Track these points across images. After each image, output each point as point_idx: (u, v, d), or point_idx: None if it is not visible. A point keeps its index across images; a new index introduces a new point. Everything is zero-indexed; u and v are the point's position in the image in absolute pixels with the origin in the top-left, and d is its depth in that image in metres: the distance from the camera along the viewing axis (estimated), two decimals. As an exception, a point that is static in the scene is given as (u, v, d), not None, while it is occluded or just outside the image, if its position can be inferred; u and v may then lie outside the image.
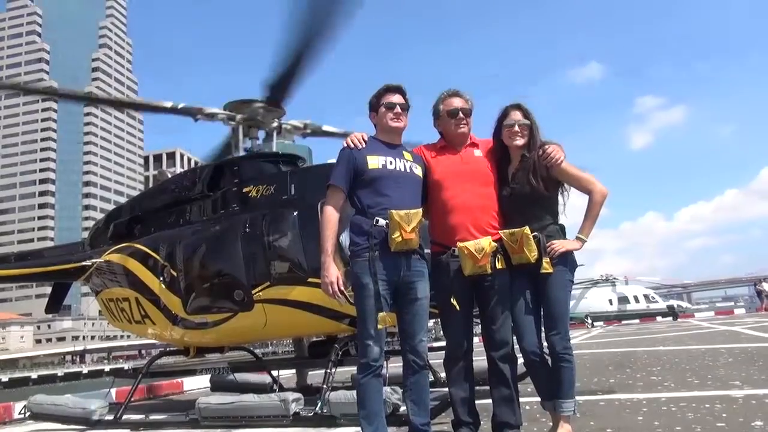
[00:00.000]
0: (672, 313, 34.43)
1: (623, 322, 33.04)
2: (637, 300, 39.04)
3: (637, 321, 32.45)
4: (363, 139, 3.35)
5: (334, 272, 3.15)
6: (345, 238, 3.28)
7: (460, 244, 3.27)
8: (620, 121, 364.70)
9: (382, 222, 3.15)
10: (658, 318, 33.27)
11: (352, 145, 3.32)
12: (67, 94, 6.17)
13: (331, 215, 3.22)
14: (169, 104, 6.58)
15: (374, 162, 3.26)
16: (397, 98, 3.37)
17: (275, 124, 7.07)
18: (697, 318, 29.82)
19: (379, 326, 3.05)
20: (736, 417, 3.69)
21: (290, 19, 5.21)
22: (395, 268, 3.16)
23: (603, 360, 8.71)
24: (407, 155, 3.40)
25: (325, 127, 7.37)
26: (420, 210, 3.22)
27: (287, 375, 7.96)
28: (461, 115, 3.49)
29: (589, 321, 34.42)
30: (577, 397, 3.38)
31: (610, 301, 39.36)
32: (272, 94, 6.57)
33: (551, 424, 3.34)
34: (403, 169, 3.32)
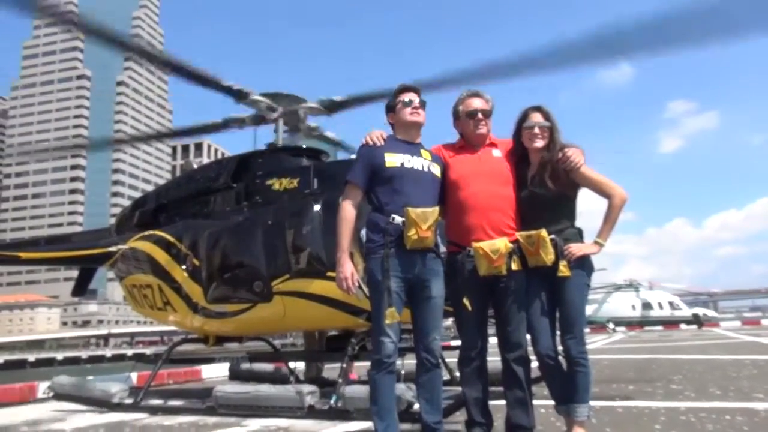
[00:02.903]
0: (697, 321, 33.79)
1: (646, 328, 32.53)
2: (661, 306, 38.50)
3: (660, 328, 31.92)
4: (382, 137, 3.36)
5: (348, 268, 3.17)
6: (365, 235, 3.29)
7: (475, 244, 3.25)
8: (651, 124, 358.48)
9: (398, 219, 3.16)
10: (682, 326, 32.70)
11: (371, 143, 3.34)
12: (110, 36, 6.00)
13: (347, 212, 3.24)
14: (227, 82, 6.52)
15: (392, 160, 3.27)
16: (413, 95, 3.41)
17: (307, 125, 7.13)
18: (722, 327, 29.20)
19: (386, 321, 3.07)
20: (758, 430, 3.61)
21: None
22: (410, 266, 3.17)
23: (623, 366, 8.60)
24: (425, 154, 3.41)
25: (336, 98, 7.32)
26: (436, 209, 3.22)
27: (303, 367, 8.02)
28: (480, 116, 3.47)
29: (611, 326, 33.97)
30: (595, 402, 3.34)
31: (633, 307, 38.88)
32: (331, 106, 6.78)
33: (565, 428, 3.31)
34: (420, 168, 3.32)
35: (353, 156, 3.91)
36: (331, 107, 6.83)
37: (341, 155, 7.97)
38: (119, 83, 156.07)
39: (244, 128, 7.25)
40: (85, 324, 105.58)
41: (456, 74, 5.56)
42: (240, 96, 6.55)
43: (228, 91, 6.46)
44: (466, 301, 3.28)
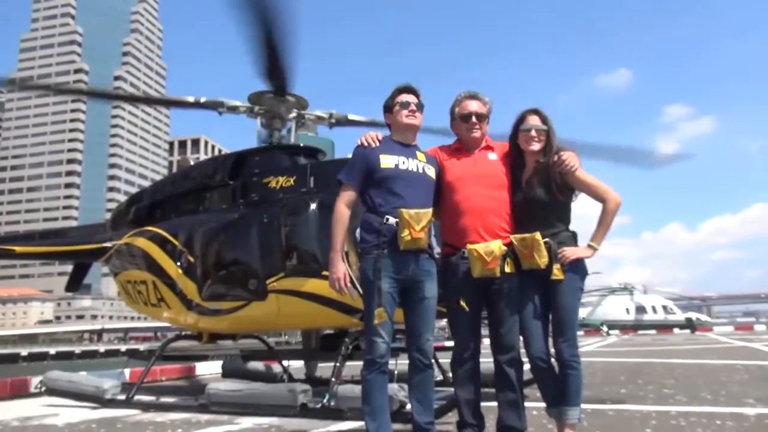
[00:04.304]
0: (690, 325, 33.96)
1: (639, 332, 32.64)
2: (654, 310, 38.68)
3: (653, 331, 32.05)
4: (377, 139, 3.37)
5: (341, 268, 3.19)
6: (359, 235, 3.31)
7: (469, 246, 3.26)
8: (647, 129, 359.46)
9: (392, 220, 3.17)
10: (676, 330, 32.86)
11: (366, 144, 3.35)
12: (94, 92, 6.25)
13: (341, 213, 3.26)
14: (191, 99, 6.58)
15: (387, 161, 3.28)
16: (411, 97, 3.41)
17: (293, 115, 7.06)
18: (715, 332, 29.32)
19: (375, 321, 3.09)
20: (747, 435, 3.63)
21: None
22: (403, 267, 3.18)
23: (615, 369, 8.63)
24: (421, 156, 3.42)
25: (351, 116, 7.33)
26: (430, 210, 3.23)
27: (298, 365, 8.03)
28: (474, 119, 3.47)
29: (605, 329, 34.09)
30: (586, 406, 3.35)
31: (627, 310, 39.03)
32: (273, 82, 6.26)
33: (556, 431, 3.32)
34: (415, 170, 3.33)
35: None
36: (332, 121, 6.92)
37: (347, 149, 7.98)
38: (116, 78, 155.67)
39: (238, 113, 7.22)
40: (79, 319, 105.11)
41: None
42: (215, 106, 6.65)
43: (199, 105, 6.56)
44: (462, 303, 3.29)
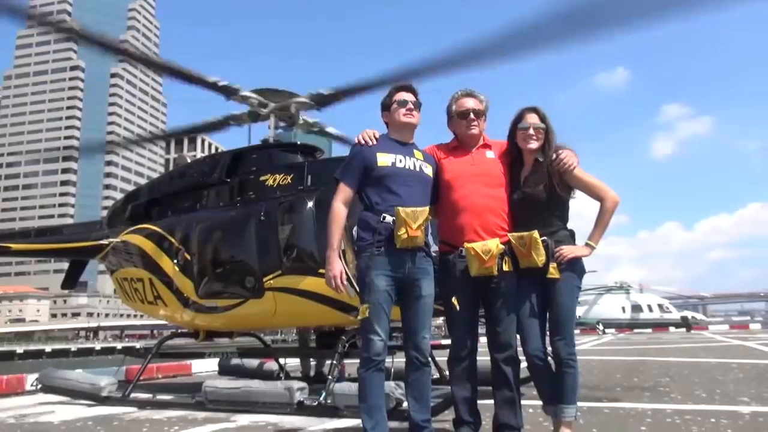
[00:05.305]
0: (685, 324, 34.07)
1: (635, 330, 32.76)
2: (650, 309, 38.85)
3: (649, 330, 32.14)
4: (375, 137, 3.37)
5: (337, 266, 3.20)
6: (356, 233, 3.31)
7: (467, 244, 3.27)
8: (645, 128, 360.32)
9: (389, 219, 3.18)
10: (671, 328, 32.97)
11: (363, 142, 3.35)
12: (98, 40, 6.06)
13: (338, 211, 3.27)
14: (212, 79, 6.47)
15: (384, 159, 3.29)
16: (409, 96, 3.41)
17: (304, 120, 7.10)
18: (710, 331, 29.45)
19: (359, 317, 3.13)
20: (741, 433, 3.65)
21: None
22: (400, 265, 3.19)
23: (611, 367, 8.66)
24: (418, 154, 3.42)
25: (329, 129, 7.43)
26: (427, 208, 3.24)
27: (294, 363, 8.03)
28: (472, 116, 3.47)
29: (601, 327, 34.18)
30: (582, 404, 3.37)
31: (623, 309, 39.20)
32: (320, 100, 6.60)
33: (553, 428, 3.33)
34: (412, 168, 3.34)
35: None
36: (320, 101, 6.81)
37: (343, 150, 7.98)
38: (113, 75, 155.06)
39: (243, 125, 7.23)
40: (75, 316, 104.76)
41: (430, 62, 5.43)
42: (229, 92, 6.52)
43: (216, 88, 6.44)
44: (454, 301, 3.30)
